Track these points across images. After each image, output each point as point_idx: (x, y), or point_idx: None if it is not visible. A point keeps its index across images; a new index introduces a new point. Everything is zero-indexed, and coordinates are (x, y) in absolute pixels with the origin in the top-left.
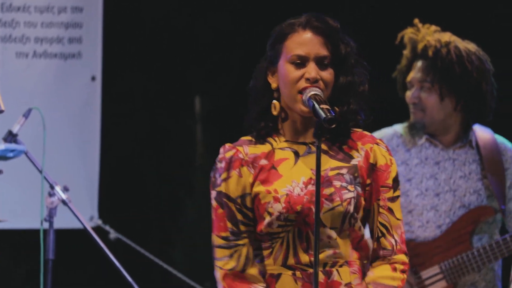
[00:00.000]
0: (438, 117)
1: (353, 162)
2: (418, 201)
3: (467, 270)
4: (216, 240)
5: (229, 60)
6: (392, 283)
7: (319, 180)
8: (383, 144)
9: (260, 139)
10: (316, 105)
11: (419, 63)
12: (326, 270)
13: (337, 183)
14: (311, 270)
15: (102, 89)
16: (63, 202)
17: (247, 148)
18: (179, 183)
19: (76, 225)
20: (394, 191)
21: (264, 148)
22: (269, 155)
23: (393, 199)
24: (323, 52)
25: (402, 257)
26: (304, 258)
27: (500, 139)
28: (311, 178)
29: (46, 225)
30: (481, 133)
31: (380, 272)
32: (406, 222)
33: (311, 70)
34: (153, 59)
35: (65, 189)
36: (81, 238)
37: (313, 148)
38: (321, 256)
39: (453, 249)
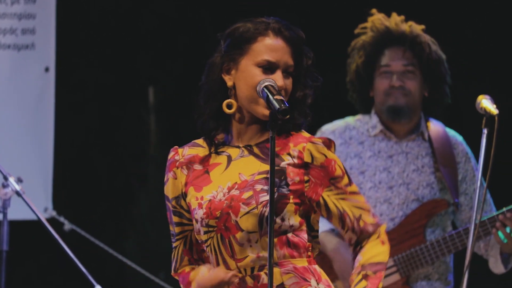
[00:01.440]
0: (417, 102)
1: (282, 165)
2: (371, 194)
3: (420, 263)
4: None
5: (179, 49)
6: (383, 258)
7: (273, 172)
8: (319, 141)
9: (210, 141)
10: (270, 96)
11: (395, 49)
12: (254, 275)
13: (258, 187)
14: (240, 275)
15: (56, 80)
16: (17, 193)
17: (186, 150)
18: (132, 174)
19: (30, 216)
20: (347, 176)
21: (203, 151)
22: (204, 160)
23: (350, 183)
24: (291, 61)
25: (384, 227)
26: (232, 264)
27: (451, 132)
28: (236, 183)
29: None
30: (433, 126)
31: (370, 251)
32: None
33: (279, 78)
34: (107, 50)
35: (19, 181)
36: (35, 230)
37: (246, 152)
38: (246, 261)
39: (407, 242)
